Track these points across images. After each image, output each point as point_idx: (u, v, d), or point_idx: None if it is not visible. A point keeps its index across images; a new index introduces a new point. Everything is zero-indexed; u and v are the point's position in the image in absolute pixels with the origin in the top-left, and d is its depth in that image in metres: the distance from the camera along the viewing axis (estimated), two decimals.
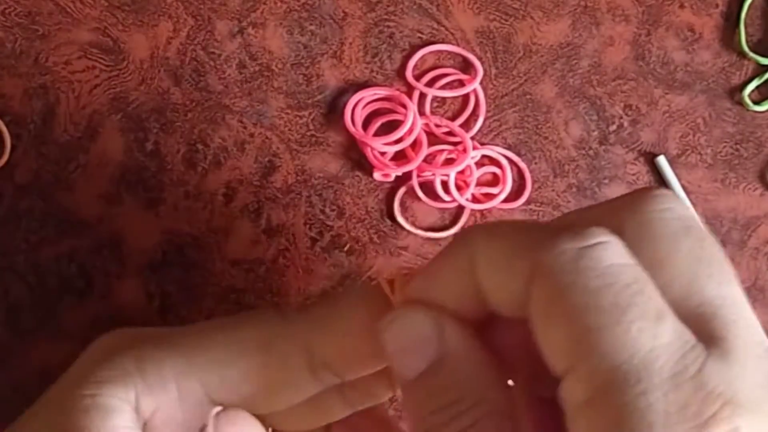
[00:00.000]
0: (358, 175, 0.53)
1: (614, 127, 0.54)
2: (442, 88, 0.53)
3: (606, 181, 0.54)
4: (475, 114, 0.54)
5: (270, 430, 0.26)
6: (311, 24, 0.53)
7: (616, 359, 0.20)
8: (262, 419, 0.25)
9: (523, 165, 0.53)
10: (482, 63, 0.54)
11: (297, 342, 0.23)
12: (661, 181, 0.54)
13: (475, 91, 0.53)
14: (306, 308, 0.25)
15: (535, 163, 0.54)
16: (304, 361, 0.23)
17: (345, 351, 0.23)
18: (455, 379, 0.22)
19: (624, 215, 0.23)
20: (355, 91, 0.53)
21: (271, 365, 0.23)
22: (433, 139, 0.53)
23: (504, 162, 0.53)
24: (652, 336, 0.20)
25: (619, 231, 0.23)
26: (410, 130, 0.52)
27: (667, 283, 0.22)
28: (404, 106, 0.53)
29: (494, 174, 0.54)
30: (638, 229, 0.22)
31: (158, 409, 0.23)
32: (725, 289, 0.23)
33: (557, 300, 0.21)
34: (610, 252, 0.22)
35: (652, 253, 0.22)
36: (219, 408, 0.23)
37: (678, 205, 0.23)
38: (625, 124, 0.54)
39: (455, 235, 0.25)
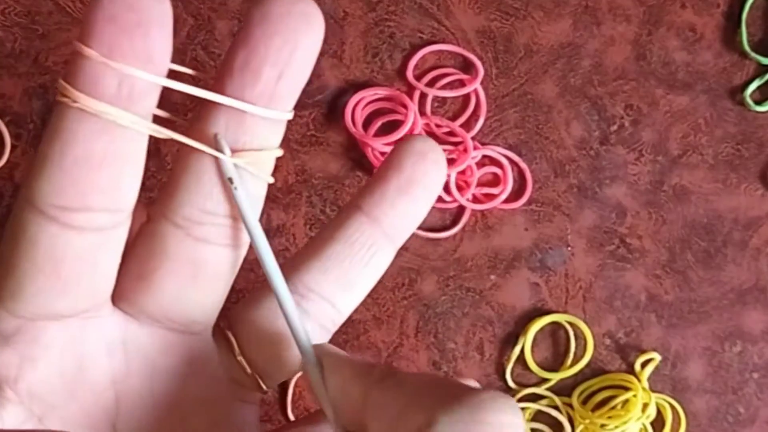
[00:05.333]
0: (358, 175, 0.53)
1: (615, 127, 0.54)
2: (443, 88, 0.53)
3: (607, 181, 0.54)
4: (475, 114, 0.53)
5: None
6: None
7: None
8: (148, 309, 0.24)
9: (523, 165, 0.53)
10: (483, 63, 0.53)
11: (22, 194, 0.21)
12: (662, 182, 0.54)
13: (475, 91, 0.53)
14: None
15: (536, 163, 0.54)
16: (29, 207, 0.21)
17: (48, 172, 0.21)
18: None
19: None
20: (356, 91, 0.53)
21: (16, 236, 0.21)
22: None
23: (505, 162, 0.53)
24: None
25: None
26: (411, 130, 0.52)
27: None
28: (405, 106, 0.52)
29: (495, 174, 0.54)
30: None
31: None
32: None
33: None
34: None
35: None
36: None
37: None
38: (626, 124, 0.54)
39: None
